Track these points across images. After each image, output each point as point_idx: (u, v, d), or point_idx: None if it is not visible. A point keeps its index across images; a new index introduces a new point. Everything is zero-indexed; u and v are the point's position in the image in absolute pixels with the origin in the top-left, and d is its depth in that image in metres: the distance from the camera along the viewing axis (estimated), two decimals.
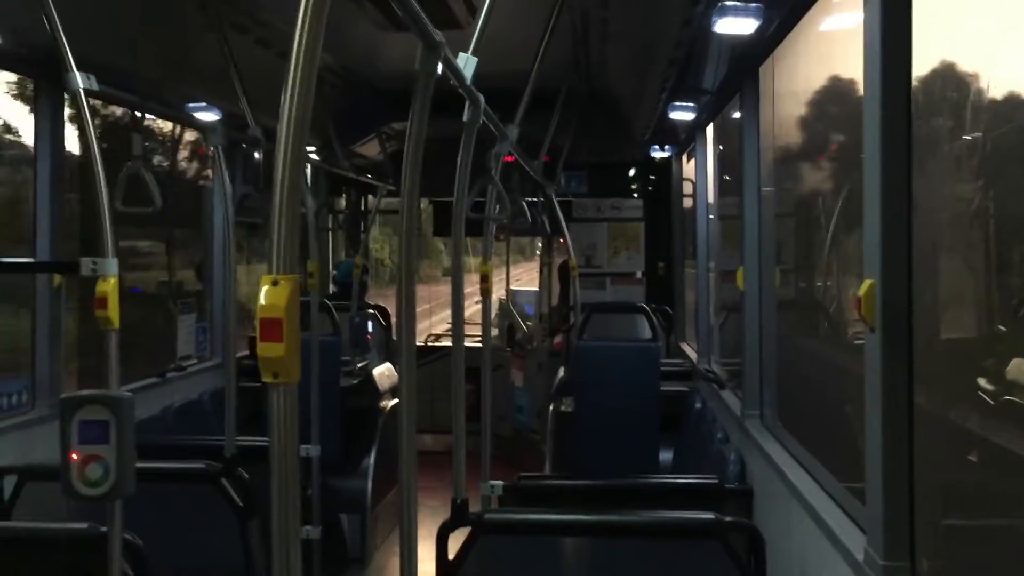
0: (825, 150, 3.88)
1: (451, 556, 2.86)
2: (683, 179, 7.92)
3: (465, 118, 2.67)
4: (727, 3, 3.46)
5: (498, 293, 9.42)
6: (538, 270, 9.83)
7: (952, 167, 2.39)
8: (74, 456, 2.40)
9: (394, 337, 7.55)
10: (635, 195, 8.96)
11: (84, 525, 2.59)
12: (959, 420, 2.43)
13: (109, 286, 2.64)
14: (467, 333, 3.07)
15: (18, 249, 4.60)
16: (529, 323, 9.35)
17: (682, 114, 5.84)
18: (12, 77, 4.67)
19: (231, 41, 4.60)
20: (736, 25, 3.67)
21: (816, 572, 2.92)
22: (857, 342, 2.83)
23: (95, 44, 3.89)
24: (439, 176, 3.10)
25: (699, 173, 6.64)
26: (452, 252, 2.93)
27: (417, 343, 2.25)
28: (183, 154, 7.19)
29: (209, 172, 6.77)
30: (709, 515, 2.84)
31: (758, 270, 4.29)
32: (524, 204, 5.64)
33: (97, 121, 5.71)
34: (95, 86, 2.81)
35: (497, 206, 3.55)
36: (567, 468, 6.05)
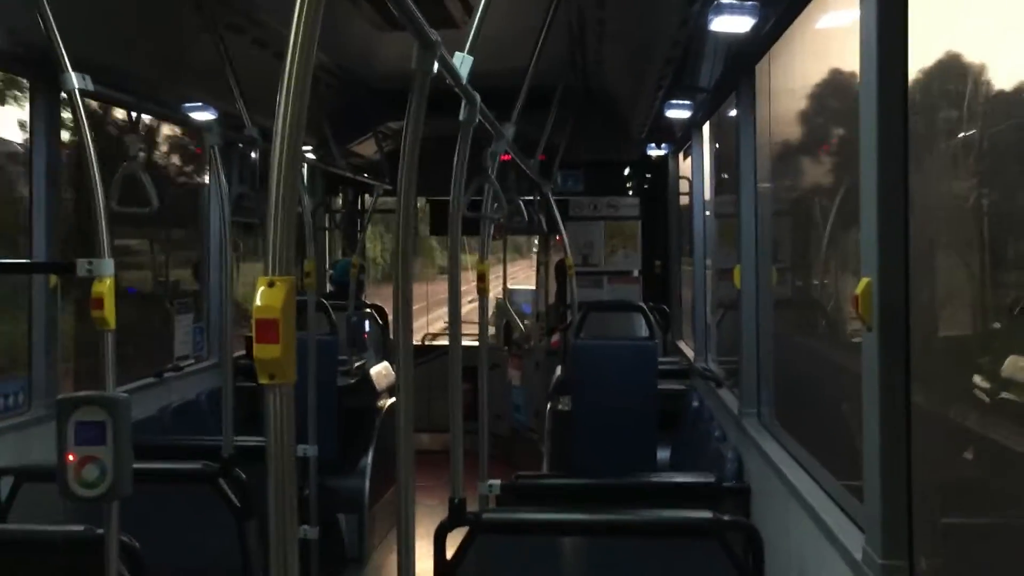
0: (821, 148, 3.88)
1: (449, 555, 2.86)
2: (680, 177, 7.92)
3: (461, 117, 2.67)
4: (723, 1, 3.46)
5: (495, 291, 9.42)
6: (534, 268, 9.83)
7: (949, 164, 2.39)
8: (71, 457, 2.40)
9: (391, 336, 7.54)
10: (632, 193, 8.96)
11: (81, 527, 2.59)
12: (957, 418, 2.44)
13: (105, 287, 2.64)
14: (464, 332, 3.06)
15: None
16: (526, 322, 9.35)
17: (678, 112, 5.84)
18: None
19: (227, 41, 4.59)
20: (732, 23, 3.67)
21: (814, 571, 2.92)
22: (855, 340, 2.83)
23: (91, 44, 3.88)
24: (436, 175, 3.10)
25: (695, 171, 6.65)
26: (449, 251, 2.93)
27: (414, 342, 2.25)
28: (179, 154, 7.18)
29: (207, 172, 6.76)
30: (707, 514, 2.84)
31: (755, 268, 4.29)
32: (521, 203, 5.63)
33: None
34: (91, 86, 2.80)
35: (494, 205, 3.55)
36: (565, 467, 6.05)
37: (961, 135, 2.32)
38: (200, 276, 6.47)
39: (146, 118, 5.64)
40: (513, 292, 9.99)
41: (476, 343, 3.57)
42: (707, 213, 6.48)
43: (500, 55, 3.96)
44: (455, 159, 2.70)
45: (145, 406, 4.90)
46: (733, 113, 4.69)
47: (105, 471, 2.39)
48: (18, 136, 4.88)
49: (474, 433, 3.41)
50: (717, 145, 6.18)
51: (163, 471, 3.66)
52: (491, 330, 8.99)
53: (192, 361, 5.92)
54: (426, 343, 9.89)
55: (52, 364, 4.28)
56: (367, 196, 9.73)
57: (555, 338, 8.12)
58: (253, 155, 6.65)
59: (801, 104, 3.92)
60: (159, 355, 5.72)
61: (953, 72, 2.32)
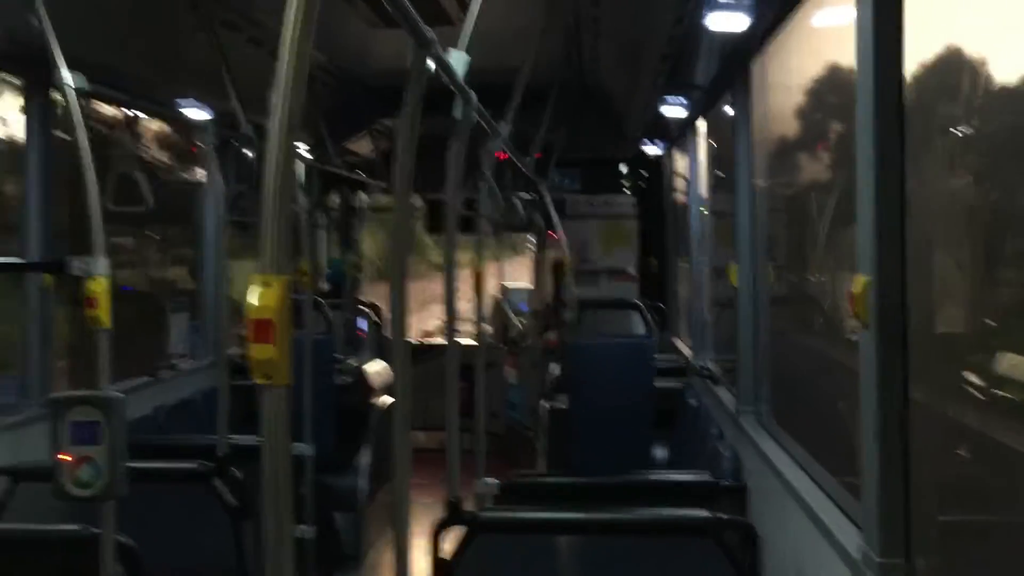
0: (818, 145, 3.88)
1: (446, 554, 2.85)
2: (675, 175, 7.91)
3: (457, 115, 2.66)
4: None
5: (491, 290, 9.41)
6: (530, 266, 9.82)
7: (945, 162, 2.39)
8: (65, 457, 2.39)
9: (387, 335, 7.53)
10: (628, 191, 8.96)
11: (76, 527, 2.58)
12: (952, 414, 2.44)
13: (99, 286, 2.63)
14: (460, 330, 3.06)
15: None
16: (523, 320, 9.34)
17: (674, 110, 5.83)
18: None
19: (222, 39, 4.58)
20: (728, 21, 3.66)
21: (811, 569, 2.92)
22: (852, 338, 2.83)
23: (86, 43, 3.86)
24: (431, 173, 3.09)
25: (692, 169, 6.64)
26: (445, 249, 2.93)
27: (410, 340, 2.24)
28: (174, 152, 7.16)
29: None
30: (704, 512, 2.84)
31: (751, 266, 4.28)
32: (517, 201, 5.63)
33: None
34: (86, 85, 2.79)
35: (490, 203, 3.55)
36: (562, 465, 6.05)
37: (956, 130, 2.32)
38: (196, 275, 6.45)
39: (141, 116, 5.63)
40: (509, 290, 9.99)
41: (472, 341, 3.57)
42: (703, 210, 6.47)
43: (495, 52, 3.95)
44: (451, 157, 2.70)
45: (140, 405, 4.89)
46: (729, 111, 4.69)
47: (100, 471, 2.38)
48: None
49: (470, 431, 3.41)
50: (713, 142, 6.18)
51: (158, 470, 3.64)
52: (487, 328, 8.98)
53: (188, 360, 5.90)
54: (424, 343, 9.87)
55: (46, 363, 4.27)
56: (363, 194, 9.72)
57: (551, 336, 8.12)
58: (249, 153, 6.64)
59: (796, 101, 3.92)
60: (154, 354, 5.71)
61: (950, 68, 2.32)
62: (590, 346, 6.11)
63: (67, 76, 2.73)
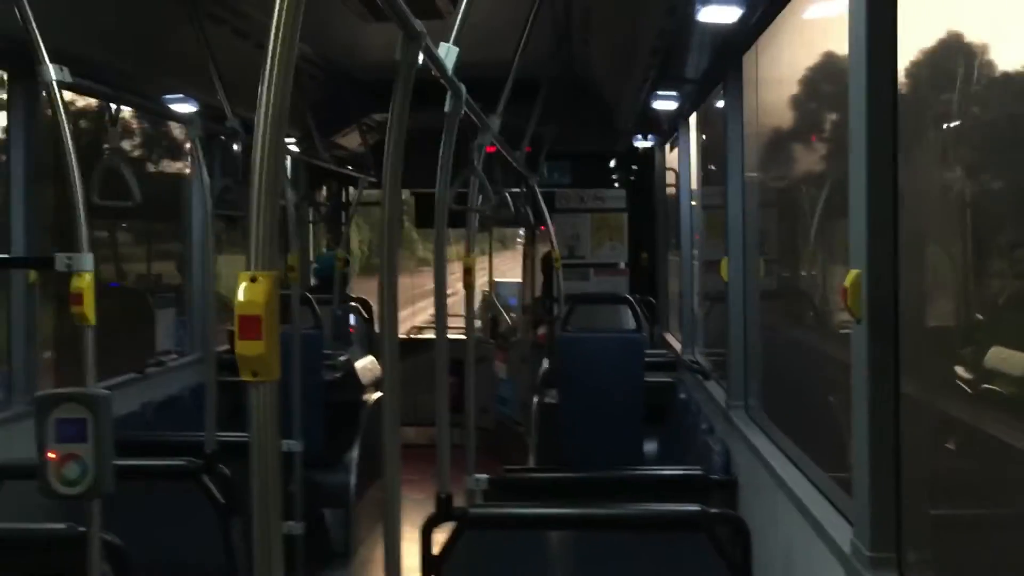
0: (809, 138, 3.87)
1: (436, 550, 2.84)
2: (667, 169, 7.91)
3: (447, 109, 2.64)
4: None
5: (481, 284, 9.40)
6: (520, 261, 9.81)
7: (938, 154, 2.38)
8: (51, 455, 2.36)
9: (376, 330, 7.51)
10: (618, 185, 8.95)
11: (63, 525, 2.55)
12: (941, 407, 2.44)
13: (84, 282, 2.60)
14: (450, 325, 3.05)
15: None
16: (512, 315, 9.33)
17: (665, 104, 5.82)
18: None
19: (208, 32, 4.54)
20: (719, 13, 3.65)
21: (802, 563, 2.92)
22: (843, 331, 2.83)
23: (69, 35, 3.83)
24: (421, 167, 3.07)
25: (682, 163, 6.64)
26: (435, 244, 2.91)
27: (400, 336, 2.23)
28: (160, 146, 7.12)
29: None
30: (694, 507, 2.83)
31: (742, 260, 4.28)
32: (507, 195, 5.61)
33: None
34: (68, 78, 2.76)
35: (480, 197, 3.52)
36: (552, 460, 6.04)
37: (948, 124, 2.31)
38: (183, 270, 6.41)
39: (126, 110, 5.58)
40: (499, 285, 9.98)
41: (462, 336, 3.55)
42: (694, 204, 6.47)
43: (486, 46, 3.93)
44: (441, 151, 2.68)
45: (127, 402, 4.85)
46: (720, 104, 4.68)
47: (86, 468, 2.36)
48: None
49: (460, 427, 3.39)
50: (704, 136, 6.17)
51: (146, 468, 3.62)
52: (477, 323, 8.97)
53: (175, 356, 5.87)
54: (412, 337, 9.86)
55: (32, 360, 4.23)
56: (351, 189, 9.68)
57: (541, 331, 8.10)
58: (236, 147, 6.60)
59: (788, 95, 3.91)
60: (141, 350, 5.67)
61: (946, 57, 2.31)
62: (580, 341, 6.10)
63: (50, 69, 2.69)
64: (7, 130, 4.24)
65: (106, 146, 3.38)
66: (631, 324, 6.33)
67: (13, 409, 4.11)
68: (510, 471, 4.00)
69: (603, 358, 5.93)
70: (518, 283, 9.66)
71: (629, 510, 3.02)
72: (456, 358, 3.19)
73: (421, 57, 2.04)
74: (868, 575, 2.24)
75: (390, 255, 2.08)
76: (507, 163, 5.13)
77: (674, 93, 5.57)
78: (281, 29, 1.26)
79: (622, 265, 8.68)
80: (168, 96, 5.39)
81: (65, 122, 2.70)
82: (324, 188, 9.71)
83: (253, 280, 1.24)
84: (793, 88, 3.83)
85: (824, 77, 3.41)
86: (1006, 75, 2.08)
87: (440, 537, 2.86)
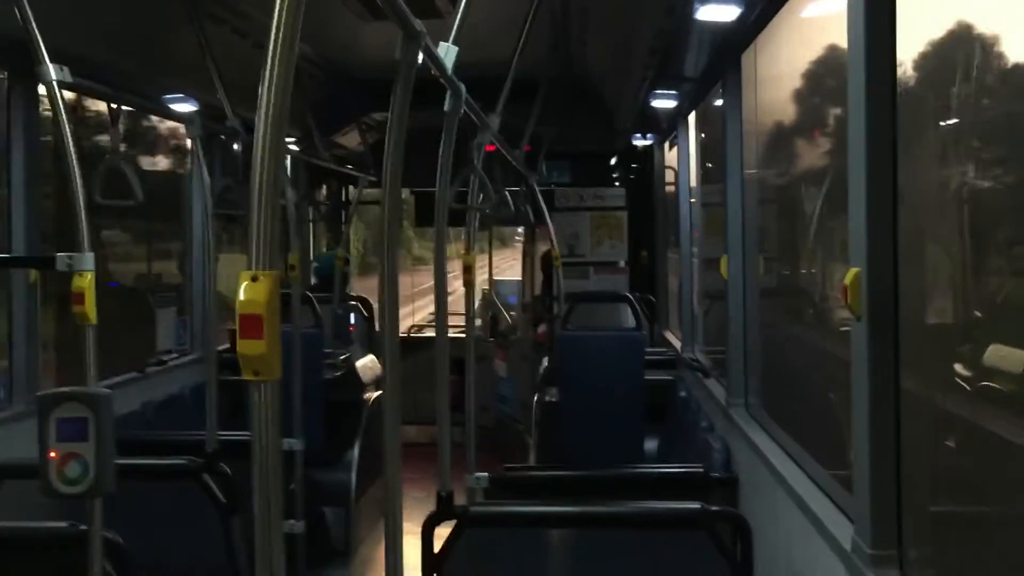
0: (810, 136, 3.87)
1: (437, 549, 2.85)
2: (666, 167, 7.91)
3: (446, 108, 2.64)
4: None
5: (481, 283, 9.40)
6: (520, 259, 9.81)
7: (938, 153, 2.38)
8: (52, 454, 2.37)
9: (376, 328, 7.51)
10: (618, 184, 8.95)
11: (64, 524, 2.56)
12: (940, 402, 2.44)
13: (86, 281, 2.60)
14: (450, 324, 3.05)
15: None
16: (512, 313, 9.33)
17: (664, 102, 5.82)
18: None
19: (208, 31, 4.54)
20: (718, 12, 3.65)
21: (803, 560, 2.92)
22: (843, 329, 2.83)
23: (69, 35, 3.83)
24: (420, 166, 3.07)
25: (682, 161, 6.64)
26: (435, 243, 2.91)
27: (400, 334, 2.23)
28: (161, 145, 7.12)
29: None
30: (695, 504, 2.84)
31: (742, 258, 4.28)
32: (507, 194, 5.61)
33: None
34: (69, 78, 2.76)
35: (479, 196, 3.53)
36: (552, 458, 6.05)
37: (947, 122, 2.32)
38: (183, 269, 6.42)
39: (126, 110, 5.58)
40: (499, 283, 9.98)
41: (462, 335, 3.55)
42: (693, 202, 6.47)
43: (485, 45, 3.93)
44: (440, 150, 2.68)
45: (128, 401, 4.86)
46: (719, 103, 4.68)
47: (88, 467, 2.37)
48: None
49: (461, 425, 3.40)
50: (703, 135, 6.17)
51: (147, 467, 3.62)
52: (477, 322, 8.97)
53: (175, 355, 5.87)
54: (412, 335, 9.86)
55: (33, 359, 4.23)
56: (351, 188, 9.68)
57: (541, 329, 8.11)
58: (236, 147, 6.60)
59: (786, 93, 3.91)
60: (142, 350, 5.68)
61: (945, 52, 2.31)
62: (580, 339, 6.10)
63: (51, 69, 2.70)
64: (7, 130, 4.24)
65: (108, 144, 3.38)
66: (631, 322, 6.33)
67: (14, 408, 4.11)
68: (510, 469, 4.00)
69: (603, 356, 5.93)
70: (518, 281, 9.67)
71: (630, 508, 3.03)
72: (456, 356, 3.19)
73: (421, 56, 2.04)
74: (869, 572, 2.24)
75: (391, 254, 2.08)
76: (507, 162, 5.13)
77: (673, 92, 5.57)
78: (281, 29, 1.26)
79: (622, 263, 8.68)
80: (168, 96, 5.39)
81: (65, 122, 2.70)
82: (324, 187, 9.71)
83: (254, 279, 1.25)
84: (792, 86, 3.83)
85: (823, 75, 3.41)
86: (1006, 70, 2.09)
87: (441, 535, 2.86)
